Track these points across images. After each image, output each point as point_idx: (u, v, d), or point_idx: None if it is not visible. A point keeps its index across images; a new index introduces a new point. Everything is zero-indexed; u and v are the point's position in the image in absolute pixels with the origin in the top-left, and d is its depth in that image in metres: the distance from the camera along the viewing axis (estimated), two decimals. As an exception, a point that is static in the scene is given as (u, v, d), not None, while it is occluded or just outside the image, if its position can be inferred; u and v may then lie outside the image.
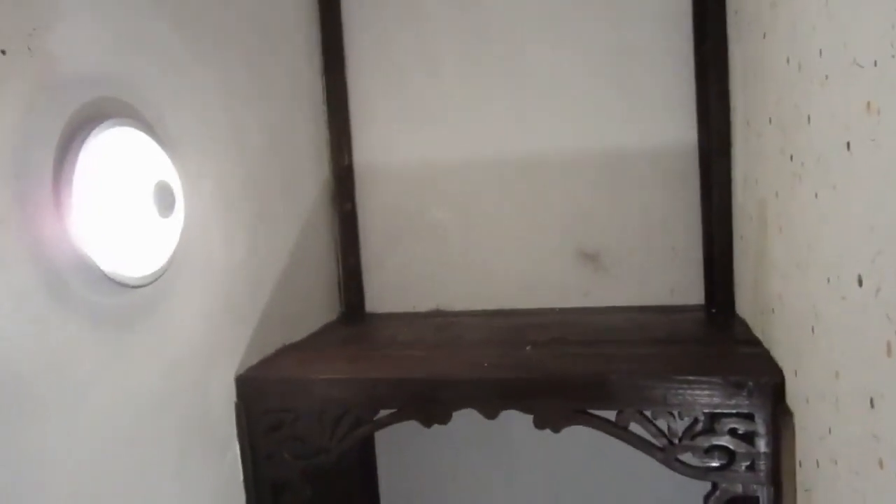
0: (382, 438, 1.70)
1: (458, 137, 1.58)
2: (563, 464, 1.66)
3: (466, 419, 1.11)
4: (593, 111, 1.53)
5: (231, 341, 1.18)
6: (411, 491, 1.74)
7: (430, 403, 1.13)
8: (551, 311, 1.55)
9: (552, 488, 1.68)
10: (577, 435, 1.57)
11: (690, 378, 1.04)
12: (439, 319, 1.56)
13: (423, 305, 1.64)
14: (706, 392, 1.03)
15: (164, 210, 0.92)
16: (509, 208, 1.59)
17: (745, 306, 1.34)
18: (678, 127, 1.48)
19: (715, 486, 1.06)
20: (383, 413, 1.16)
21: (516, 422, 1.57)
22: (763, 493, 1.04)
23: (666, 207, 1.51)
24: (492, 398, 1.11)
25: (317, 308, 1.55)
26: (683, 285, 1.51)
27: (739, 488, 1.05)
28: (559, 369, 1.15)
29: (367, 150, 1.62)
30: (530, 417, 1.10)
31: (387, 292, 1.65)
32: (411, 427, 1.16)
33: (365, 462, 1.73)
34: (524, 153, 1.56)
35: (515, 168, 1.57)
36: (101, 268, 0.83)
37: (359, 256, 1.64)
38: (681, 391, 1.04)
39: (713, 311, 1.46)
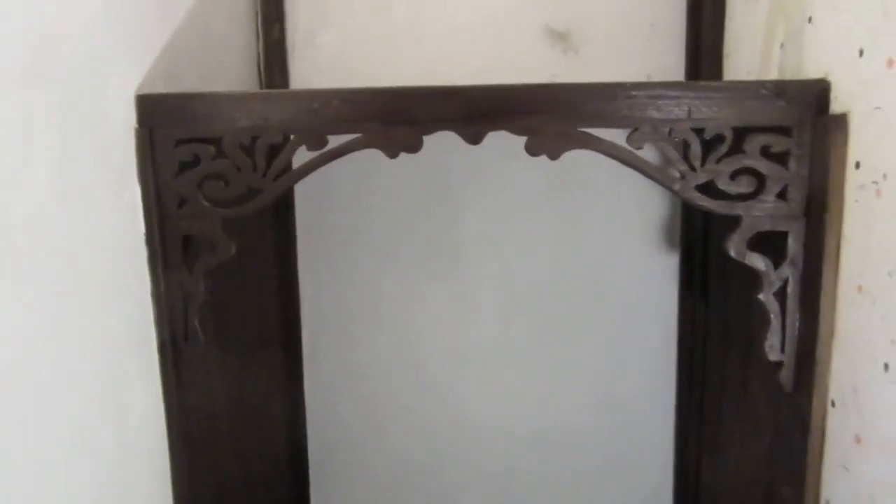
0: (301, 188, 1.38)
1: None
2: (511, 216, 1.46)
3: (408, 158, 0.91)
4: None
5: (133, 47, 0.89)
6: (334, 245, 1.46)
7: (395, 125, 0.89)
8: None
9: (497, 239, 1.47)
10: (528, 178, 1.41)
11: (721, 85, 0.86)
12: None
13: (362, 93, 1.38)
14: (736, 102, 0.85)
15: None
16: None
17: (740, 69, 1.18)
18: None
19: (737, 222, 0.89)
20: (333, 144, 0.91)
21: (458, 161, 1.38)
22: (794, 229, 0.88)
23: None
24: (475, 116, 0.89)
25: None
26: (662, 68, 1.34)
27: (767, 223, 0.88)
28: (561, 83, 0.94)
29: None
30: (473, 154, 0.91)
31: (318, 76, 1.38)
32: (336, 168, 0.93)
33: (280, 213, 1.43)
34: None
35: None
36: None
37: (284, 29, 1.36)
38: (708, 101, 0.85)
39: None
